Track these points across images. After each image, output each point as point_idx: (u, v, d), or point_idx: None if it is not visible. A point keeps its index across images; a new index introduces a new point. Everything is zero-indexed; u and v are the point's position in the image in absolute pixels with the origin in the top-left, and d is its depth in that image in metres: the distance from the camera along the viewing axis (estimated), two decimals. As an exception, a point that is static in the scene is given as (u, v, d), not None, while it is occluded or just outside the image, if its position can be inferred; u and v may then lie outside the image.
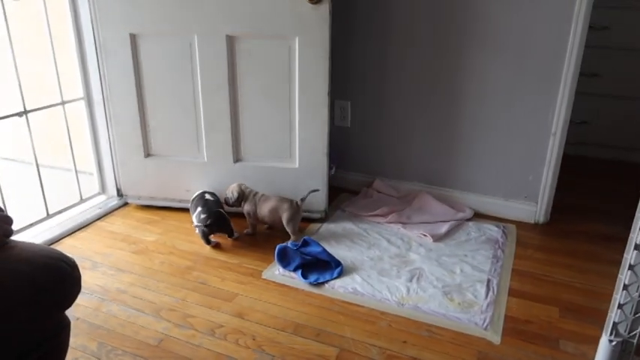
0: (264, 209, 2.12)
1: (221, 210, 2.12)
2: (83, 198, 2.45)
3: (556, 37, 2.08)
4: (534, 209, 2.32)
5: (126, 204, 2.48)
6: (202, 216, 2.08)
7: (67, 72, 2.36)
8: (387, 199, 2.47)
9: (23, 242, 0.95)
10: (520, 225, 2.31)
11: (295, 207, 2.09)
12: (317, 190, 2.16)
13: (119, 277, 1.89)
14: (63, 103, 2.31)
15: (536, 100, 2.19)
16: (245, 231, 2.19)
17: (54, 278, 0.87)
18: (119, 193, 2.50)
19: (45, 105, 2.27)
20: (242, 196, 2.16)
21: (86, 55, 2.31)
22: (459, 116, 2.35)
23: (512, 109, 2.24)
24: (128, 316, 1.67)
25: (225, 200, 2.17)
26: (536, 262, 2.01)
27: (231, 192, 2.16)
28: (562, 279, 1.90)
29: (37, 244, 0.94)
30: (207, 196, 2.18)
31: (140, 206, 2.46)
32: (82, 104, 2.39)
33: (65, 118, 2.31)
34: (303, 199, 2.12)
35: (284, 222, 2.09)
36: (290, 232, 2.11)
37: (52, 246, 2.10)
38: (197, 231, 2.11)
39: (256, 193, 2.17)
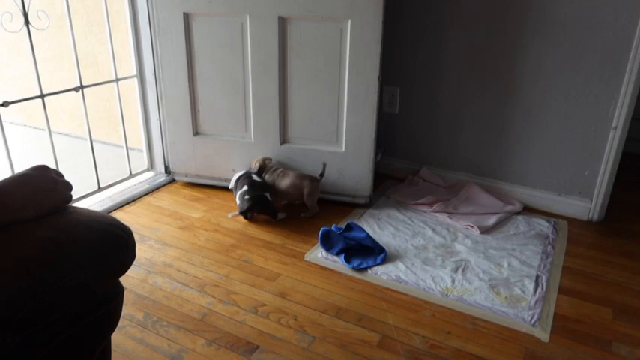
0: (283, 185, 2.18)
1: (265, 195, 2.13)
2: (132, 173, 2.51)
3: (622, 25, 1.96)
4: (588, 206, 2.22)
5: (173, 181, 2.53)
6: (246, 197, 2.10)
7: (122, 50, 2.42)
8: (433, 189, 2.42)
9: (82, 208, 0.98)
10: (572, 221, 2.22)
11: (315, 182, 2.17)
12: (325, 163, 2.20)
13: (165, 251, 1.93)
14: (117, 80, 2.36)
15: (597, 91, 2.08)
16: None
17: (111, 244, 0.89)
18: (167, 170, 2.55)
19: (100, 81, 2.33)
20: (263, 169, 2.24)
21: (140, 33, 2.35)
22: (513, 105, 2.26)
23: (570, 100, 2.14)
24: (173, 289, 1.70)
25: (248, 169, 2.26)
26: (588, 260, 1.93)
27: (254, 163, 2.25)
28: (616, 279, 1.82)
29: (95, 211, 0.96)
30: (255, 177, 2.19)
31: (187, 184, 2.50)
32: (135, 82, 2.44)
33: (118, 94, 2.37)
34: (321, 175, 2.18)
35: (305, 197, 2.16)
36: (309, 206, 2.19)
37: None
38: (238, 205, 2.15)
39: (277, 168, 2.24)
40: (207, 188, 2.45)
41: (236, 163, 2.36)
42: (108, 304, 0.93)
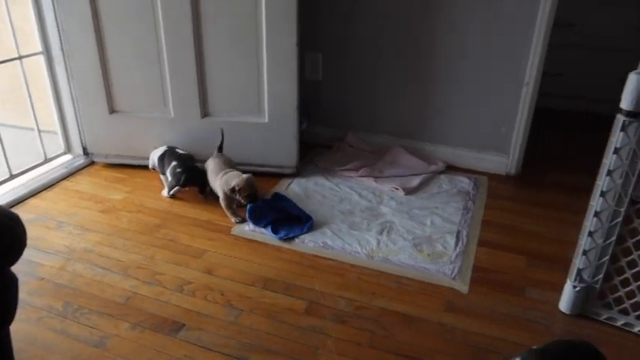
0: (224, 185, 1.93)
1: (196, 165, 2.09)
2: (48, 158, 2.37)
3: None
4: (506, 161, 2.32)
5: (92, 163, 2.41)
6: (178, 170, 2.03)
7: (26, 26, 2.24)
8: (359, 154, 2.44)
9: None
10: (492, 177, 2.31)
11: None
12: (222, 129, 2.10)
13: (85, 236, 1.85)
14: (20, 57, 2.19)
15: (510, 50, 2.15)
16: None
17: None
18: (85, 152, 2.42)
19: (1, 60, 2.15)
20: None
21: (42, 5, 2.18)
22: (432, 68, 2.30)
23: (486, 61, 2.20)
24: (94, 275, 1.64)
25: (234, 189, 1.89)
26: (506, 212, 2.03)
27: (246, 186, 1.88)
28: (531, 229, 1.92)
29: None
30: (180, 151, 2.13)
31: (107, 165, 2.39)
32: (41, 59, 2.27)
33: (23, 73, 2.20)
34: (220, 147, 2.08)
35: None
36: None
37: (16, 207, 2.05)
38: (169, 182, 2.08)
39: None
40: (129, 168, 2.35)
41: (157, 140, 2.26)
42: (-1, 298, 0.88)
